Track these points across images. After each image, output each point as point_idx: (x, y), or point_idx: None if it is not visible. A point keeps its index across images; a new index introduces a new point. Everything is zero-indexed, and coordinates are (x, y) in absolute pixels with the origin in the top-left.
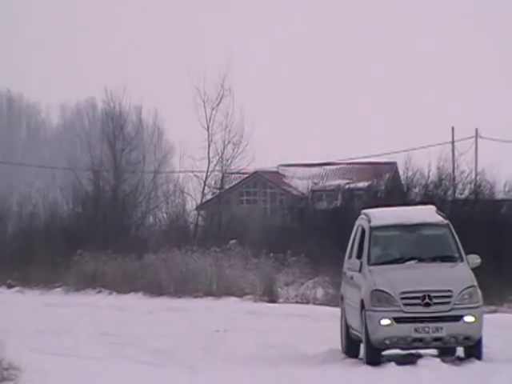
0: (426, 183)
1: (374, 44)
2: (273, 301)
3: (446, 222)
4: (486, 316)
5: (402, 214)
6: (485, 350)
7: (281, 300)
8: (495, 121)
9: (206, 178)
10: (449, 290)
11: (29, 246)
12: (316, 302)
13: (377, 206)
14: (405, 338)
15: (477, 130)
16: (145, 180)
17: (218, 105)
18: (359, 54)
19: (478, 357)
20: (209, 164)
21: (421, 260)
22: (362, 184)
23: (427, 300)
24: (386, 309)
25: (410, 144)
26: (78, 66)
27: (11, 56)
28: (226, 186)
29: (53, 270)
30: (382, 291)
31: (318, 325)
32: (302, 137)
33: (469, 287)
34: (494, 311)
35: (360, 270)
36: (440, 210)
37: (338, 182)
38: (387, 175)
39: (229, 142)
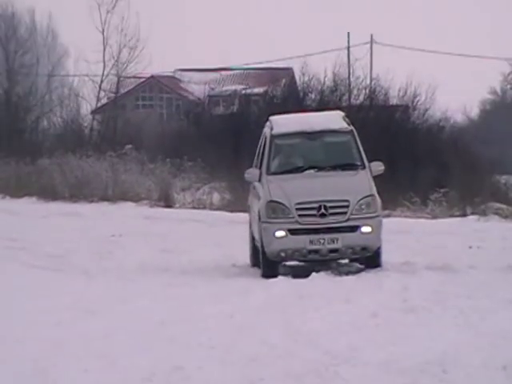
0: (321, 89)
1: None
2: (169, 206)
3: (351, 128)
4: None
5: (306, 120)
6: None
7: (177, 205)
8: (390, 27)
9: (102, 81)
10: (345, 200)
11: None
12: (212, 207)
13: (273, 112)
14: (300, 249)
15: (372, 36)
16: (39, 83)
17: (114, 8)
18: None
19: (377, 265)
20: (104, 68)
21: (321, 169)
22: (258, 90)
23: (323, 211)
24: (280, 220)
25: (306, 50)
26: None
27: None
28: (122, 91)
29: None
30: (277, 202)
31: (213, 230)
32: (199, 42)
33: (367, 196)
34: (388, 215)
35: (260, 180)
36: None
37: (234, 87)
38: (283, 81)
39: (124, 46)
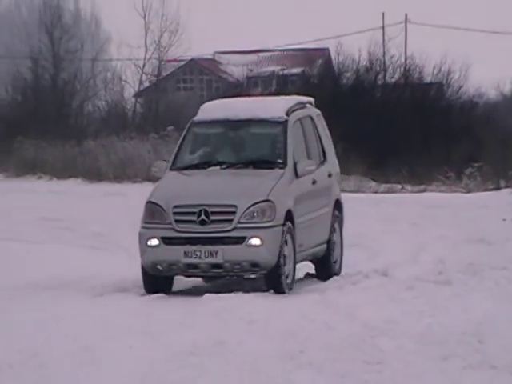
0: (357, 68)
1: None
2: None
3: (285, 118)
4: (414, 195)
5: (237, 106)
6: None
7: None
8: (424, 6)
9: (144, 65)
10: (232, 205)
11: None
12: None
13: (308, 93)
14: (175, 263)
15: (406, 15)
16: (83, 68)
17: None
18: None
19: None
20: (146, 52)
21: (231, 165)
22: (295, 70)
23: (203, 217)
24: (156, 226)
25: (342, 30)
26: None
27: None
28: (163, 74)
29: None
30: (156, 204)
31: None
32: (237, 24)
33: (261, 202)
34: (424, 190)
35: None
36: (324, 101)
37: (272, 68)
38: (319, 61)
39: (165, 30)
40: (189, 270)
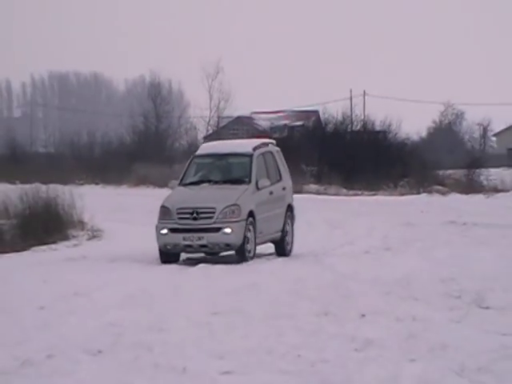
0: (335, 121)
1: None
2: None
3: (252, 152)
4: (369, 198)
5: (223, 145)
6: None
7: None
8: (376, 84)
9: (209, 120)
10: (212, 208)
11: (107, 160)
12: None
13: (306, 137)
14: (177, 244)
15: (364, 91)
16: (173, 122)
17: (216, 77)
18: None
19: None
20: (210, 112)
21: (215, 182)
22: (298, 123)
23: (195, 215)
24: (166, 221)
25: (326, 98)
26: (132, 46)
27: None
28: (221, 125)
29: (121, 174)
30: (166, 207)
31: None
32: (265, 92)
33: (231, 205)
34: (375, 194)
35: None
36: (277, 142)
37: (285, 121)
38: (313, 118)
39: (222, 99)
40: (186, 248)
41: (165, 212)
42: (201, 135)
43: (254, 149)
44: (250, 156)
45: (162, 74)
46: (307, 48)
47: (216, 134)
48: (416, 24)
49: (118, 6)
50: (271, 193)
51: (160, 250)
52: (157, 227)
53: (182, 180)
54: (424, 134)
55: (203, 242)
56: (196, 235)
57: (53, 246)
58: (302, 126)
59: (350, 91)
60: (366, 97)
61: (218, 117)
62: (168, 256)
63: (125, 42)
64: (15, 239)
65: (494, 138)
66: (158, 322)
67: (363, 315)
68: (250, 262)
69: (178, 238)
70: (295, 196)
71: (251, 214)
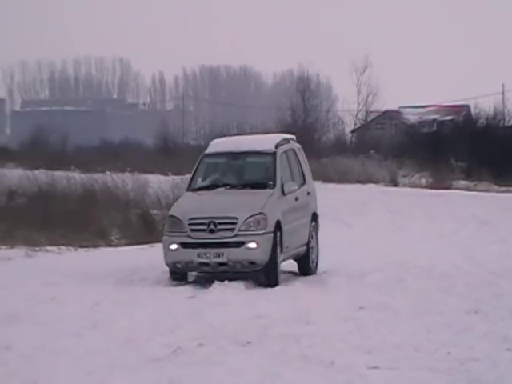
0: (487, 116)
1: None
2: (395, 185)
3: (274, 150)
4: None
5: (239, 141)
6: None
7: (400, 185)
8: None
9: (357, 114)
10: (234, 217)
11: None
12: (421, 186)
13: (455, 132)
14: (190, 262)
15: (503, 85)
16: (321, 116)
17: (364, 72)
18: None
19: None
20: (358, 106)
21: (233, 186)
22: (448, 117)
23: (212, 226)
24: (175, 234)
25: (477, 93)
26: (281, 40)
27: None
28: (368, 119)
29: None
30: (174, 217)
31: (420, 200)
32: (414, 85)
33: (256, 214)
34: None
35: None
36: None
37: (434, 116)
38: (463, 112)
39: (370, 93)
40: (201, 267)
41: (173, 223)
42: (348, 129)
43: (276, 146)
44: (273, 154)
45: (311, 67)
46: (456, 43)
47: (363, 128)
48: None
49: (267, 0)
50: (297, 199)
51: (169, 268)
52: (164, 241)
53: (190, 184)
54: None
55: (222, 259)
56: (213, 251)
57: None
58: (452, 120)
59: (503, 86)
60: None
61: (366, 111)
62: (177, 275)
63: (274, 36)
64: None
65: None
66: (305, 315)
67: None
68: None
69: (192, 255)
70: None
71: (278, 224)
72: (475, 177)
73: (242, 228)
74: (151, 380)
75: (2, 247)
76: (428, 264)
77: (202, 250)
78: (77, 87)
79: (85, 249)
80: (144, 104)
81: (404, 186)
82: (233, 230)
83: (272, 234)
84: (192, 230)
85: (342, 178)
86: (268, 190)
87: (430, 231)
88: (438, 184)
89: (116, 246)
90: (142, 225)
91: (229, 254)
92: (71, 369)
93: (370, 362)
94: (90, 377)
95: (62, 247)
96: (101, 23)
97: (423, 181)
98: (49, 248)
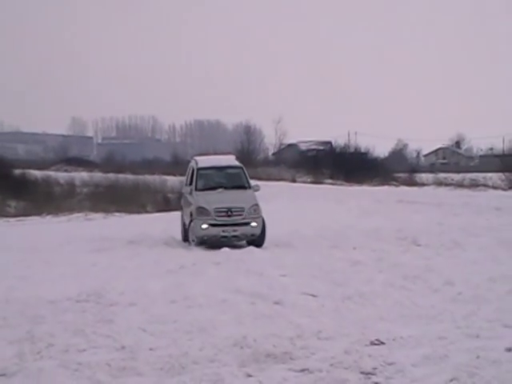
0: (341, 147)
1: None
2: (294, 182)
3: (241, 165)
4: (357, 188)
5: (216, 159)
6: None
7: (297, 183)
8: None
9: (274, 145)
10: (242, 207)
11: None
12: (304, 183)
13: (326, 155)
14: (216, 235)
15: (349, 131)
16: (256, 145)
17: (279, 122)
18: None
19: (259, 245)
20: (275, 140)
21: (226, 188)
22: (321, 147)
23: (229, 213)
24: (205, 218)
25: (337, 134)
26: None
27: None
28: (281, 147)
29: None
30: (202, 207)
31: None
32: (305, 129)
33: (254, 205)
34: (361, 186)
35: (191, 193)
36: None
37: (314, 146)
38: (329, 145)
39: (281, 134)
40: (221, 239)
41: (202, 211)
42: (270, 152)
43: (239, 162)
44: (241, 168)
45: (251, 120)
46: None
47: (278, 153)
48: None
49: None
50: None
51: (197, 239)
52: (195, 223)
53: (196, 186)
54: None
55: (237, 233)
56: (231, 228)
57: None
58: (323, 149)
59: (348, 131)
60: (358, 135)
61: (280, 143)
62: (202, 242)
63: (233, 103)
64: None
65: (423, 158)
66: (257, 252)
67: None
68: None
69: (218, 231)
70: None
71: None
72: (335, 178)
73: (247, 213)
74: (169, 282)
75: (92, 213)
76: (312, 223)
77: (224, 228)
78: (130, 129)
79: (135, 214)
80: (164, 139)
81: (299, 183)
82: (242, 215)
83: (262, 217)
84: (217, 216)
85: (267, 178)
86: (249, 190)
87: (314, 207)
88: (316, 182)
89: (150, 212)
90: (163, 202)
91: (241, 230)
92: (127, 277)
93: (281, 273)
94: (137, 281)
95: (123, 213)
96: (137, 85)
97: (276, 181)
98: (116, 214)
